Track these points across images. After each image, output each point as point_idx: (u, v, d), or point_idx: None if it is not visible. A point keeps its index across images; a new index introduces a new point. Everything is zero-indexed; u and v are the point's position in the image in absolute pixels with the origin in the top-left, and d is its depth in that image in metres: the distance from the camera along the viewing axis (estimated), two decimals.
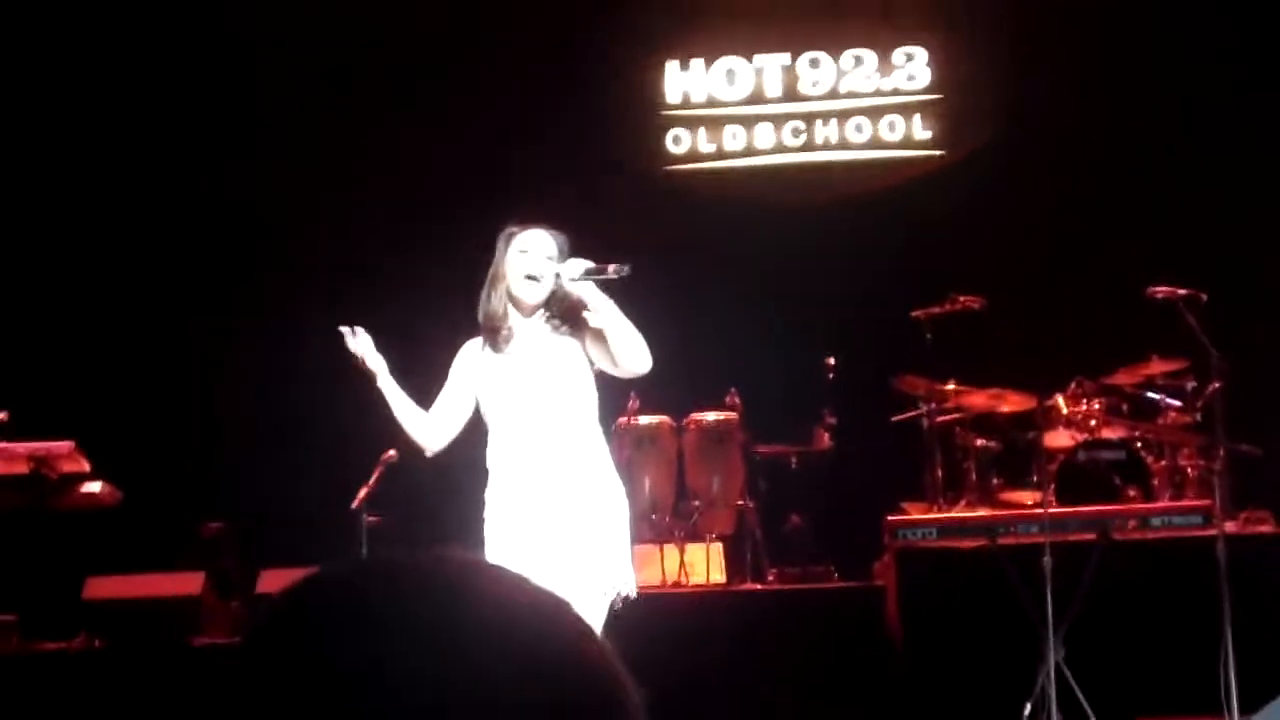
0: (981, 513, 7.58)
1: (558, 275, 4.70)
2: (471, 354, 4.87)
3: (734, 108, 9.93)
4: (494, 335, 4.79)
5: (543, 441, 4.69)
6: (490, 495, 4.80)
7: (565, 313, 4.75)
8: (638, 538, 8.13)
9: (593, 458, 4.77)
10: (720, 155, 9.91)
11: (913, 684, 7.34)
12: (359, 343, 4.85)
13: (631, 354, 4.70)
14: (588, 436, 4.77)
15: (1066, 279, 8.90)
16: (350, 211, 9.41)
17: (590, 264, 4.72)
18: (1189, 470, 7.73)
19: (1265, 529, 7.62)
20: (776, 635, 7.60)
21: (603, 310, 4.65)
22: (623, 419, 8.16)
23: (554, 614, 0.85)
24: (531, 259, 4.74)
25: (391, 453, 7.46)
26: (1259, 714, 6.12)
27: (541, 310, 4.78)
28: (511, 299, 4.76)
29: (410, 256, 9.04)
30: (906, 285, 8.60)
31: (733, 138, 9.91)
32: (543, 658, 0.81)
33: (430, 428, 4.92)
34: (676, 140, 9.92)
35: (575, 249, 4.79)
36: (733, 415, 8.40)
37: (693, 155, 9.92)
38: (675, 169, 9.90)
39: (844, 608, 7.84)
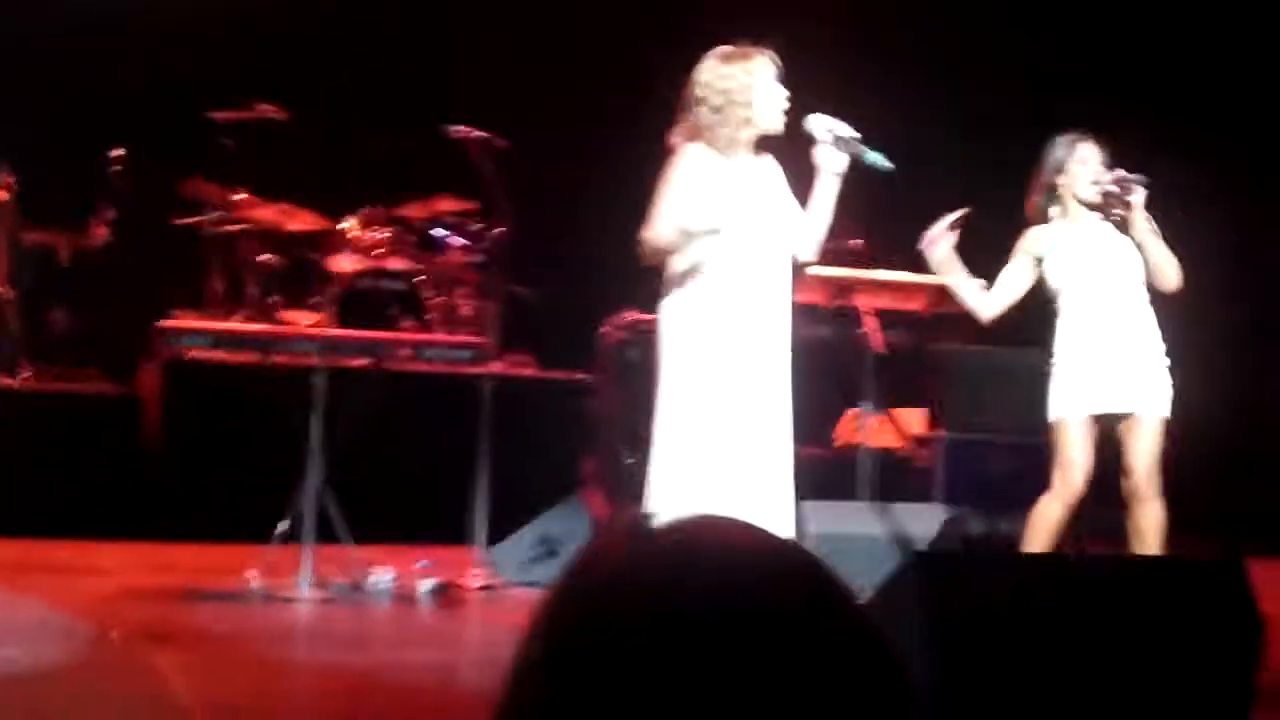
0: (259, 328, 7.45)
1: None
2: None
3: None
4: None
5: None
6: None
7: None
8: None
9: None
10: None
11: (170, 494, 7.17)
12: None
13: None
14: None
15: (372, 104, 8.81)
16: None
17: None
18: (464, 308, 7.95)
19: (528, 371, 8.02)
20: (31, 436, 7.18)
21: None
22: None
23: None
24: None
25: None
26: (499, 545, 6.47)
27: None
28: None
29: None
30: (207, 85, 8.19)
31: None
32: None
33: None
34: None
35: None
36: (2, 195, 7.74)
37: None
38: None
39: (104, 412, 7.52)
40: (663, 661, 0.81)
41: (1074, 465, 5.26)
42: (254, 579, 5.90)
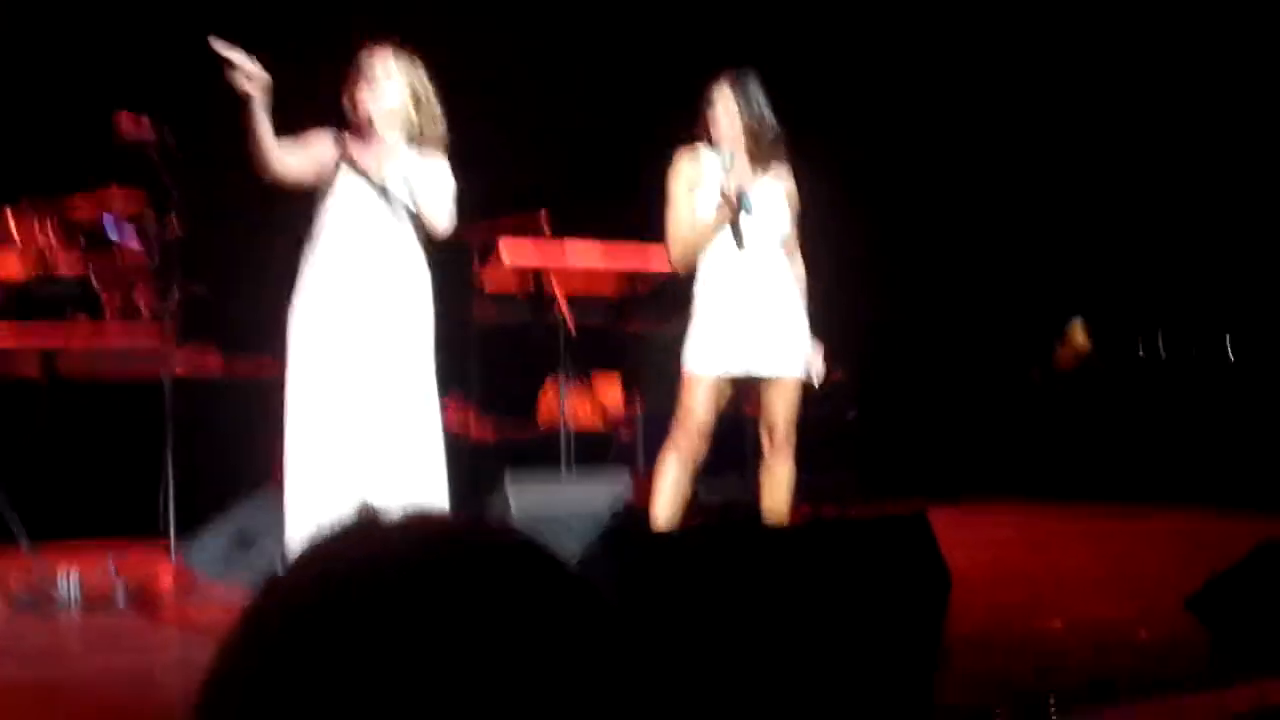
0: None
1: None
2: None
3: None
4: None
5: None
6: None
7: None
8: None
9: None
10: None
11: None
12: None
13: None
14: None
15: (26, 90, 8.44)
16: None
17: None
18: (142, 306, 7.70)
19: (213, 365, 7.83)
20: None
21: None
22: None
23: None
24: None
25: None
26: (193, 541, 6.34)
27: None
28: None
29: None
30: None
31: None
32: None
33: None
34: None
35: None
36: None
37: None
38: None
39: None
40: (379, 648, 0.76)
41: (692, 417, 5.26)
42: None
